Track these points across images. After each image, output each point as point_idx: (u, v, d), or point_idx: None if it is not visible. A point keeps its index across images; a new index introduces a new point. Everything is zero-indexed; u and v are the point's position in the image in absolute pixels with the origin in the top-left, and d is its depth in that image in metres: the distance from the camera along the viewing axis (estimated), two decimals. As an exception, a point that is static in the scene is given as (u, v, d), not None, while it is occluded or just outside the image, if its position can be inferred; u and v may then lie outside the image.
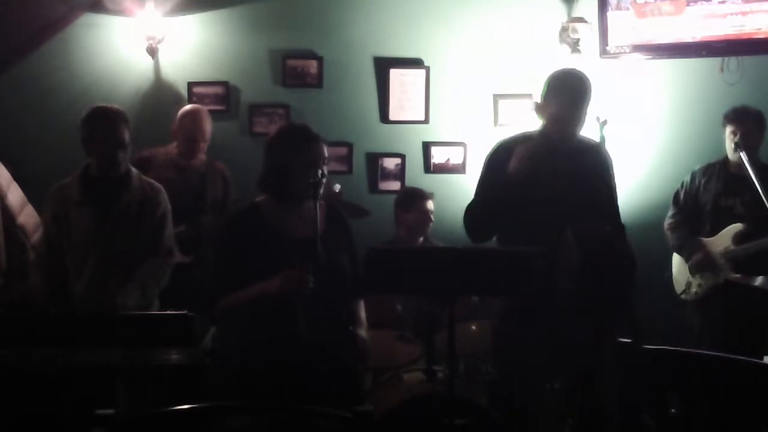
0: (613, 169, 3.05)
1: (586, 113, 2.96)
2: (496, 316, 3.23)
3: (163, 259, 3.35)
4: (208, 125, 4.27)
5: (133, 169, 3.36)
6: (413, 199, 4.26)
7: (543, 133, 2.99)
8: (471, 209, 3.04)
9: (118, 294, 3.14)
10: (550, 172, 2.90)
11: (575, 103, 2.92)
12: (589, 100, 2.95)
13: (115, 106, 3.33)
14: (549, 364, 2.98)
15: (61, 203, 3.27)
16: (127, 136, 3.25)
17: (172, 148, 4.24)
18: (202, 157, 4.25)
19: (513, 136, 3.10)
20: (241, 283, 2.72)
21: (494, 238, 3.12)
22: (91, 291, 3.20)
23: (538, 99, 3.04)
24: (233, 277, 2.74)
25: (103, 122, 3.22)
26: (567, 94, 2.94)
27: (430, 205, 4.26)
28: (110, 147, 3.21)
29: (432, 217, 4.26)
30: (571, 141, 2.97)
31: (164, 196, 3.39)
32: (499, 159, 3.01)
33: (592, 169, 2.91)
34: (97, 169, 3.28)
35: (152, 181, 3.42)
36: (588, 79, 2.99)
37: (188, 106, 4.38)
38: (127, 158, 3.30)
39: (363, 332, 2.94)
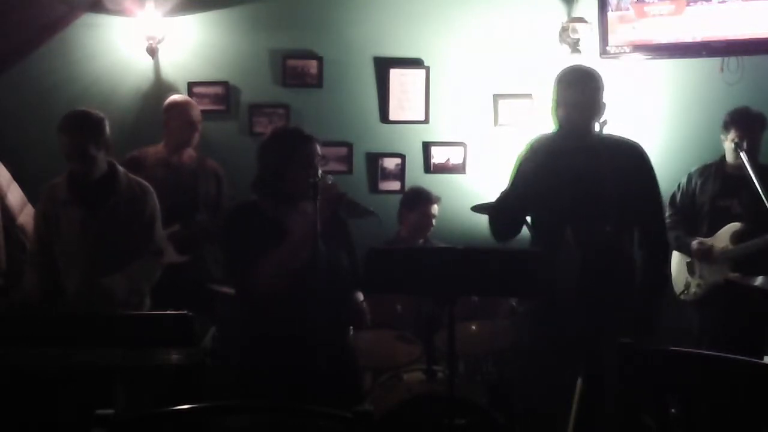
0: (648, 170, 3.02)
1: (596, 105, 2.94)
2: (517, 317, 3.27)
3: (153, 257, 3.34)
4: (198, 113, 4.26)
5: (121, 169, 3.35)
6: (418, 200, 4.26)
7: (558, 132, 2.97)
8: (492, 207, 3.07)
9: (108, 286, 3.14)
10: (563, 170, 2.90)
11: (576, 90, 2.92)
12: (592, 89, 2.94)
13: (90, 110, 3.27)
14: (563, 364, 2.98)
15: (51, 202, 3.27)
16: (92, 146, 3.19)
17: (161, 147, 4.23)
18: (191, 152, 4.24)
19: (540, 135, 3.09)
20: (261, 255, 2.71)
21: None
22: (82, 290, 3.20)
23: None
24: (252, 251, 2.73)
25: (68, 131, 3.19)
26: (564, 82, 2.96)
27: (434, 209, 4.26)
28: (72, 157, 3.19)
29: (434, 221, 4.26)
30: (588, 136, 2.94)
31: (153, 195, 3.38)
32: (524, 158, 3.03)
33: (615, 167, 2.89)
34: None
35: (141, 180, 3.41)
36: (591, 71, 2.99)
37: (175, 97, 4.34)
38: (97, 165, 3.24)
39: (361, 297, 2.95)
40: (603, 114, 2.97)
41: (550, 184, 2.89)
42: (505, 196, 3.04)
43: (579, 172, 2.90)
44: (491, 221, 3.08)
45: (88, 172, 3.21)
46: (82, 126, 3.20)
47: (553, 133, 2.98)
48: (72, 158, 3.19)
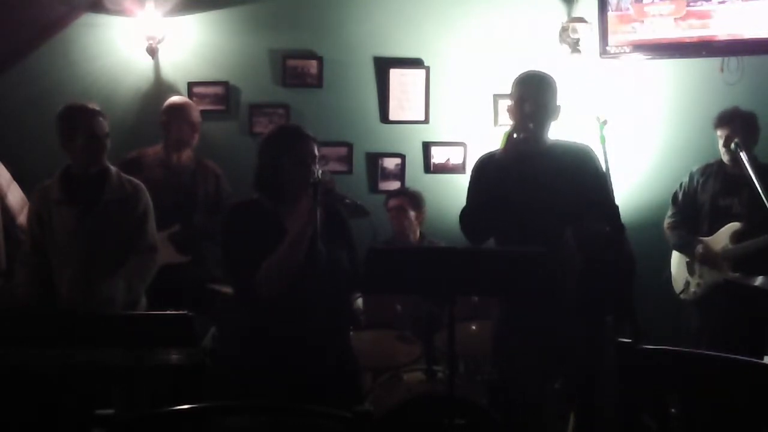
0: (599, 167, 2.98)
1: (547, 108, 2.94)
2: (495, 320, 3.24)
3: (147, 255, 3.34)
4: (198, 114, 4.27)
5: (113, 167, 3.36)
6: (387, 198, 4.41)
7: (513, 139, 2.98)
8: (462, 214, 3.06)
9: (103, 285, 3.14)
10: (526, 175, 2.90)
11: (527, 96, 2.93)
12: (545, 93, 2.94)
13: (89, 103, 3.34)
14: (549, 364, 2.98)
15: (45, 202, 3.29)
16: (105, 128, 3.27)
17: (160, 148, 4.23)
18: (190, 153, 4.24)
19: (493, 150, 3.12)
20: (260, 256, 2.70)
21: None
22: (75, 289, 3.20)
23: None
24: (252, 251, 2.72)
25: (79, 107, 3.24)
26: (519, 88, 2.97)
27: (393, 202, 4.36)
28: (88, 139, 3.21)
29: (411, 214, 4.31)
30: (542, 141, 2.96)
31: (145, 193, 3.39)
32: (480, 168, 3.06)
33: (569, 167, 2.92)
34: (77, 166, 3.28)
35: (132, 178, 3.42)
36: (545, 74, 3.00)
37: (174, 99, 4.33)
38: (105, 152, 3.29)
39: (359, 302, 2.92)
40: (557, 116, 2.98)
41: (508, 190, 2.88)
42: (470, 204, 3.04)
43: (535, 176, 2.91)
44: (462, 226, 3.04)
45: (93, 160, 3.24)
46: (95, 114, 3.27)
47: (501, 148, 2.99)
48: (87, 143, 3.22)
